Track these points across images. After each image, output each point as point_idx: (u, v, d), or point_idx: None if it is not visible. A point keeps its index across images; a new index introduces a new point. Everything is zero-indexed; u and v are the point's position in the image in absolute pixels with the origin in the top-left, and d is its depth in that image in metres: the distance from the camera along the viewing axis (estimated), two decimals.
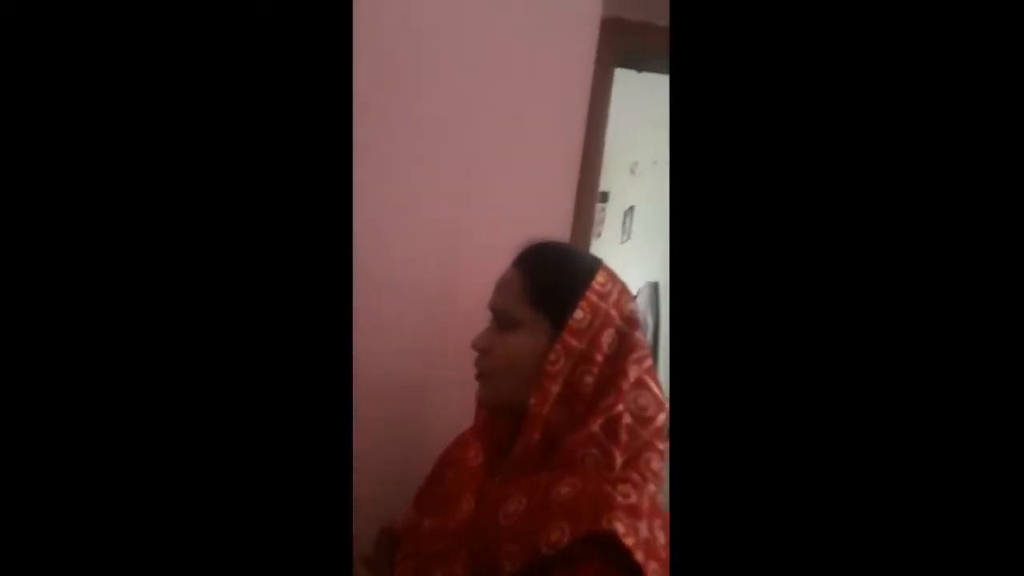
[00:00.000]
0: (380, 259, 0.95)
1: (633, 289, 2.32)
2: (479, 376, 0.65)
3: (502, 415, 0.66)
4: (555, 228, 1.02)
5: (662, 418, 0.58)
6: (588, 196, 1.07)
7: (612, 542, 0.49)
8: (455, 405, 0.82)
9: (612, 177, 3.27)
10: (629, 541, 0.48)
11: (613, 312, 0.61)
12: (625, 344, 0.60)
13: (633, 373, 0.59)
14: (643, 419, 0.57)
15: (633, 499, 0.52)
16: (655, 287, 2.22)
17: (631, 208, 2.92)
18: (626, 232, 2.96)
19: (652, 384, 0.60)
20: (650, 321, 2.13)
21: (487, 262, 0.73)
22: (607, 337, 0.60)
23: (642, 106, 1.91)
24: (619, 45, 1.07)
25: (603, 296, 0.61)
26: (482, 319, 0.68)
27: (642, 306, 2.15)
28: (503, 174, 1.03)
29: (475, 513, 0.59)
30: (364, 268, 0.77)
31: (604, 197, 3.71)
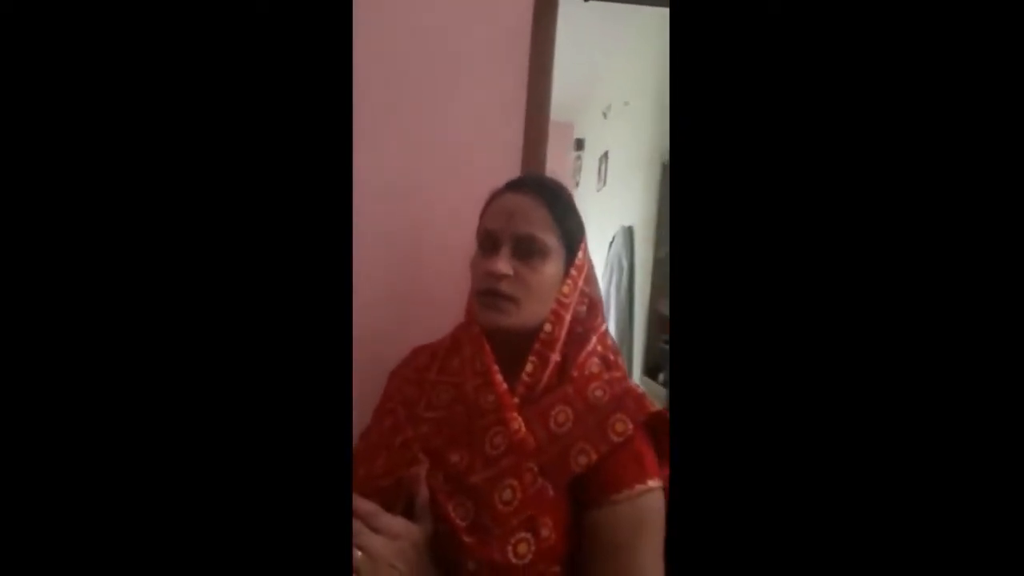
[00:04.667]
0: None
1: (609, 235, 2.36)
2: (498, 300, 0.66)
3: (507, 340, 0.68)
4: (504, 166, 1.00)
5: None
6: (538, 133, 1.05)
7: (661, 417, 0.62)
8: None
9: (587, 123, 3.27)
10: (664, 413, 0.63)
11: (586, 248, 0.74)
12: (591, 271, 0.73)
13: (600, 294, 0.74)
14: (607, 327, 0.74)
15: (640, 387, 0.66)
16: (630, 231, 2.29)
17: (605, 153, 2.94)
18: (602, 179, 3.00)
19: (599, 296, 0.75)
20: (625, 264, 2.21)
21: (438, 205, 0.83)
22: (588, 267, 0.72)
23: (613, 44, 1.91)
24: None
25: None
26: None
27: (618, 249, 2.23)
28: (446, 111, 1.02)
29: (528, 429, 0.62)
30: None
31: (580, 145, 3.70)
